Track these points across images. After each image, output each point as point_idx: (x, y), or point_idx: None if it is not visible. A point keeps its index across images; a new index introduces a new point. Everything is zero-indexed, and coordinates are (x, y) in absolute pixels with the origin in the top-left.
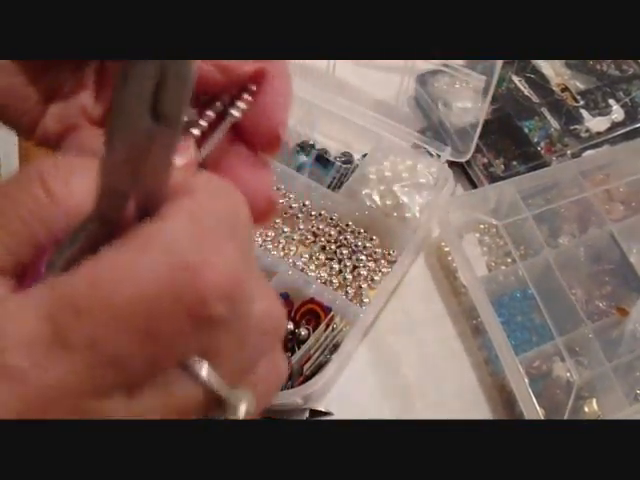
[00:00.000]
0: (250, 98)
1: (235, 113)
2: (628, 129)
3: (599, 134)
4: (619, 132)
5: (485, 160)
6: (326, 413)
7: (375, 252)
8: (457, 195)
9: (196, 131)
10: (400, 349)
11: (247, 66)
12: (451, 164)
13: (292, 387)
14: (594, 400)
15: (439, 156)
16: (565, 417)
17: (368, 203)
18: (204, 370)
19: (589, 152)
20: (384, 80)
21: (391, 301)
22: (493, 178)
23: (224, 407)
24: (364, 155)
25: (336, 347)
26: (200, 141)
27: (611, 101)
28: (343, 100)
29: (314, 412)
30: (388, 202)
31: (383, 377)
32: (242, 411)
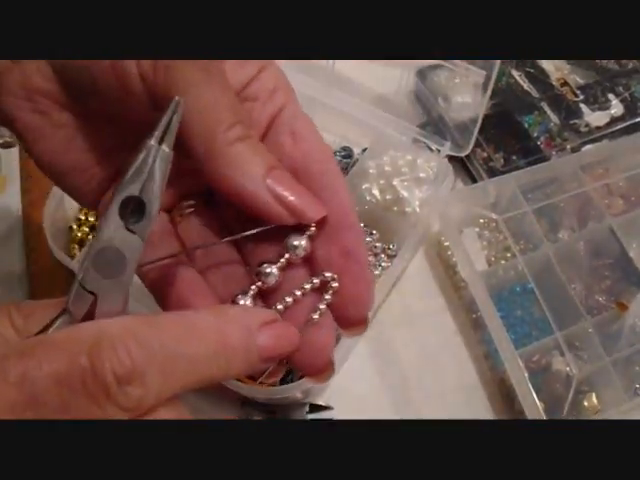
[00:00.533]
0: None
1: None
2: (627, 124)
3: (599, 128)
4: (619, 127)
5: (485, 155)
6: (326, 407)
7: (375, 246)
8: (457, 190)
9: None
10: (400, 343)
11: (315, 213)
12: (451, 159)
13: (292, 381)
14: (593, 394)
15: (439, 151)
16: (565, 411)
17: (368, 197)
18: None
19: (589, 147)
20: (384, 75)
21: (391, 295)
22: (493, 172)
23: None
24: (364, 149)
25: (336, 341)
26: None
27: (610, 96)
28: (343, 94)
29: (314, 406)
30: (388, 197)
31: (383, 371)
32: None
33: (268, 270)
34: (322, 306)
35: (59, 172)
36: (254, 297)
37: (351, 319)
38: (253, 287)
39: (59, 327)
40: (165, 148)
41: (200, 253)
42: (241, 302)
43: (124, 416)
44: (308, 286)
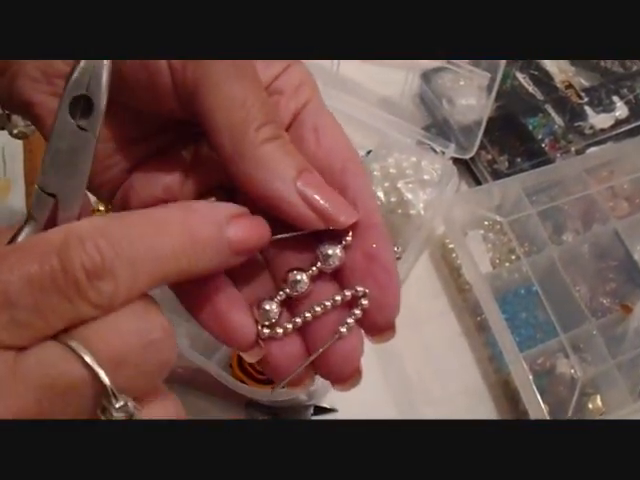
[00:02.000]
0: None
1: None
2: (632, 126)
3: (603, 131)
4: (623, 129)
5: (489, 157)
6: (330, 410)
7: None
8: (461, 192)
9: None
10: (404, 345)
11: (348, 218)
12: (455, 161)
13: None
14: (598, 396)
15: (443, 153)
16: (569, 413)
17: None
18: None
19: (593, 149)
20: (388, 77)
21: None
22: (497, 175)
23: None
24: (368, 152)
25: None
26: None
27: (615, 98)
28: (347, 97)
29: (318, 408)
30: (392, 199)
31: (387, 373)
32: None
33: (298, 277)
34: (350, 320)
35: None
36: (281, 304)
37: (378, 325)
38: (281, 293)
39: (27, 236)
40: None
41: None
42: (267, 307)
43: (96, 313)
44: (339, 298)
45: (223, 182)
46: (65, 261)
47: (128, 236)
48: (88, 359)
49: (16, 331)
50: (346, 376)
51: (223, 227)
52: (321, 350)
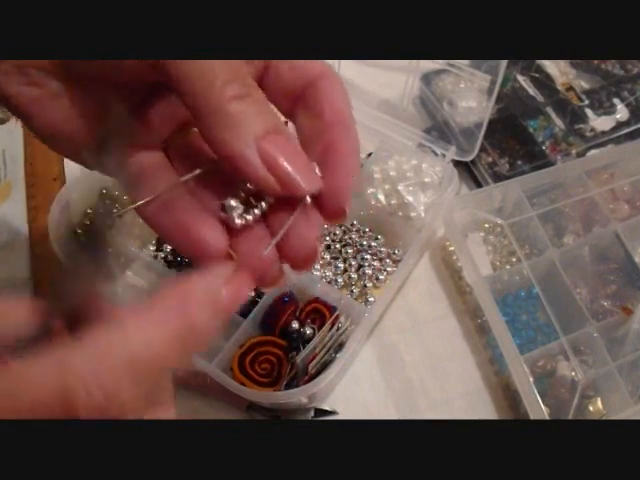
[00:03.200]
0: None
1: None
2: (633, 128)
3: (604, 133)
4: (624, 131)
5: (490, 159)
6: (331, 412)
7: (380, 251)
8: (462, 194)
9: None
10: (405, 348)
11: (309, 185)
12: (456, 163)
13: (297, 386)
14: (599, 399)
15: (444, 155)
16: (570, 416)
17: (373, 202)
18: None
19: (594, 151)
20: (389, 80)
21: (396, 300)
22: (498, 177)
23: None
24: (369, 154)
25: (341, 346)
26: None
27: (616, 100)
28: None
29: (319, 411)
30: (393, 201)
31: (388, 376)
32: None
33: (233, 203)
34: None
35: (63, 140)
36: (242, 201)
37: (330, 209)
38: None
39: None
40: None
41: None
42: (232, 203)
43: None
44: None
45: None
46: (68, 407)
47: (128, 356)
48: None
49: None
50: (305, 256)
51: (219, 303)
52: (282, 232)
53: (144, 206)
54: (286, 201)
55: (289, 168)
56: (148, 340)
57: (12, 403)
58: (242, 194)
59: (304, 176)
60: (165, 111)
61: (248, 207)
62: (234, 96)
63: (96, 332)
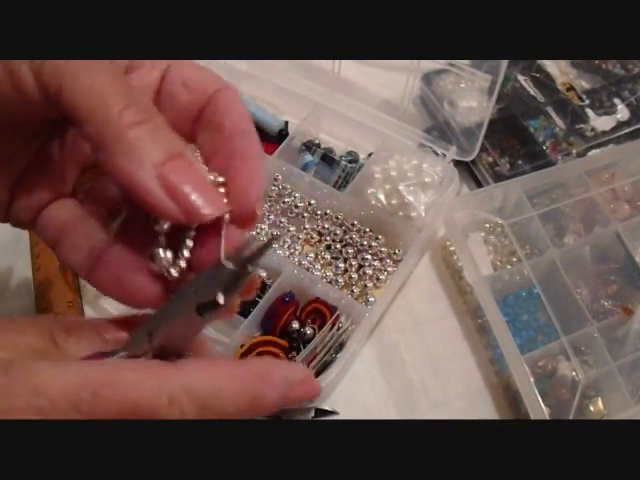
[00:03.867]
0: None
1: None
2: (633, 128)
3: (604, 133)
4: (624, 131)
5: (490, 159)
6: (332, 412)
7: (380, 251)
8: (462, 194)
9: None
10: (405, 348)
11: (212, 210)
12: (457, 163)
13: None
14: (599, 399)
15: (444, 155)
16: (570, 416)
17: (373, 202)
18: None
19: (594, 151)
20: (389, 79)
21: (396, 300)
22: (498, 177)
23: None
24: (369, 154)
25: (341, 346)
26: None
27: (616, 100)
28: (348, 99)
29: (319, 411)
30: (393, 201)
31: (388, 376)
32: None
33: (161, 254)
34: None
35: None
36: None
37: (239, 213)
38: (160, 238)
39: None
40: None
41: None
42: (161, 254)
43: None
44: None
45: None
46: (150, 416)
47: (209, 398)
48: None
49: None
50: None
51: (288, 393)
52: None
53: (80, 265)
54: (205, 226)
55: (191, 194)
56: (227, 395)
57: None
58: (161, 236)
59: (207, 200)
60: (70, 152)
61: (175, 249)
62: (132, 122)
63: (195, 365)
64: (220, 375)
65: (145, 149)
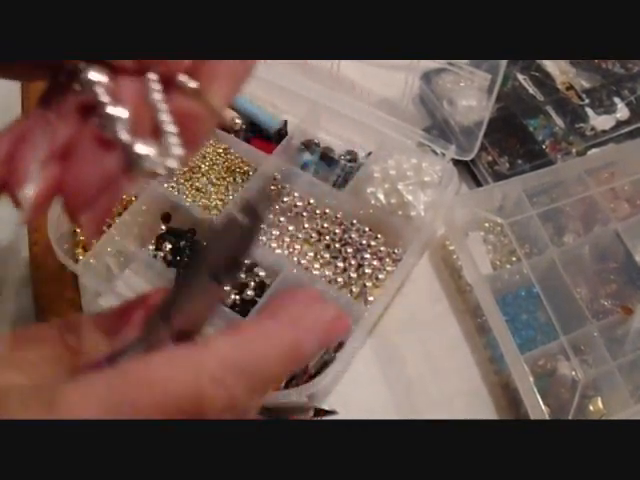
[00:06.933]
0: None
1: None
2: (633, 127)
3: (604, 132)
4: (624, 130)
5: (490, 158)
6: (331, 412)
7: (380, 250)
8: (462, 193)
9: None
10: (405, 347)
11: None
12: (456, 162)
13: (297, 386)
14: (599, 399)
15: (444, 154)
16: (570, 416)
17: (373, 201)
18: None
19: (594, 150)
20: (389, 78)
21: (396, 299)
22: (498, 176)
23: None
24: (369, 153)
25: (341, 345)
26: None
27: (616, 99)
28: (347, 98)
29: (318, 411)
30: (393, 200)
31: (387, 375)
32: None
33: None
34: None
35: None
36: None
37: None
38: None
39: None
40: None
41: None
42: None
43: None
44: None
45: None
46: (198, 407)
47: (250, 365)
48: None
49: None
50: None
51: (323, 335)
52: None
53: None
54: None
55: None
56: (266, 354)
57: (145, 400)
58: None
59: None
60: None
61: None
62: None
63: (222, 338)
64: (252, 339)
65: None
